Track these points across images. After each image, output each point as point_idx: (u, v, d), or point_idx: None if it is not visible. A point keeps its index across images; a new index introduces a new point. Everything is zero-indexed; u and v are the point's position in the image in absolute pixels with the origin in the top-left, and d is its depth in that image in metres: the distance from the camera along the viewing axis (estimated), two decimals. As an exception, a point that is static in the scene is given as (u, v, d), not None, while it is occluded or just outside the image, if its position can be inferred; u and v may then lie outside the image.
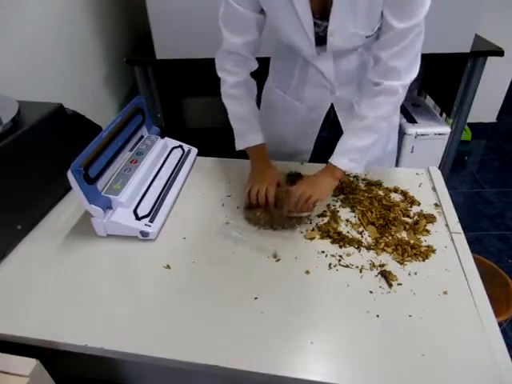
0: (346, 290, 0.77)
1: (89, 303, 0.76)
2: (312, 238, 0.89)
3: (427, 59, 2.01)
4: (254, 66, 0.99)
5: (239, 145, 1.03)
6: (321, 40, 0.91)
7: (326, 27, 0.87)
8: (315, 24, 0.87)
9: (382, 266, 0.82)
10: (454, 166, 2.07)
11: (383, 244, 0.86)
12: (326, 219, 0.94)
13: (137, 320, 0.73)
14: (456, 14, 1.42)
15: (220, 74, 0.98)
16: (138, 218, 0.90)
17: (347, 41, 0.91)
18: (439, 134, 1.84)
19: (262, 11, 0.89)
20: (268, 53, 1.11)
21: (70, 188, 0.82)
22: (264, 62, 1.11)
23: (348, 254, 0.85)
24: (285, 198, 0.92)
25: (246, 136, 1.02)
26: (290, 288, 0.78)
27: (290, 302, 0.75)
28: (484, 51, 1.59)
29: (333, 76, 1.01)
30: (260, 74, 1.06)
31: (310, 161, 1.20)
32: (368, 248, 0.86)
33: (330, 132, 1.17)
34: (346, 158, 0.91)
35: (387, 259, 0.83)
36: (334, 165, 0.91)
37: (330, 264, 0.82)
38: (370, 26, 0.85)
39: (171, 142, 1.18)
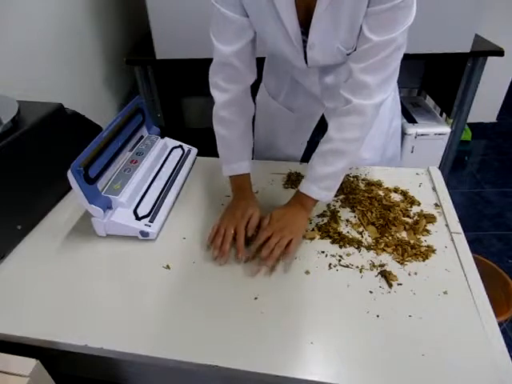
0: (346, 290, 0.77)
1: (89, 303, 0.76)
2: (312, 238, 0.89)
3: (427, 59, 2.02)
4: (250, 79, 0.90)
5: (223, 170, 0.95)
6: (305, 54, 0.87)
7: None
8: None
9: (381, 266, 0.82)
10: (454, 166, 2.07)
11: (383, 244, 0.86)
12: (325, 219, 0.94)
13: (137, 320, 0.73)
14: (456, 14, 1.42)
15: (212, 91, 0.89)
16: (138, 218, 0.90)
17: (327, 56, 0.86)
18: (439, 134, 1.84)
19: None
20: (264, 53, 1.09)
21: (70, 188, 0.82)
22: (262, 62, 1.10)
23: (348, 254, 0.85)
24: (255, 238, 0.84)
25: (231, 164, 0.93)
26: (290, 288, 0.78)
27: (289, 302, 0.75)
28: (484, 51, 1.59)
29: (318, 90, 0.99)
30: (257, 75, 1.05)
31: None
32: (368, 248, 0.86)
33: None
34: (317, 185, 0.84)
35: (387, 259, 0.83)
36: (304, 193, 0.85)
37: (330, 264, 0.82)
38: (351, 42, 0.81)
39: (171, 142, 1.18)
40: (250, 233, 0.86)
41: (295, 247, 0.82)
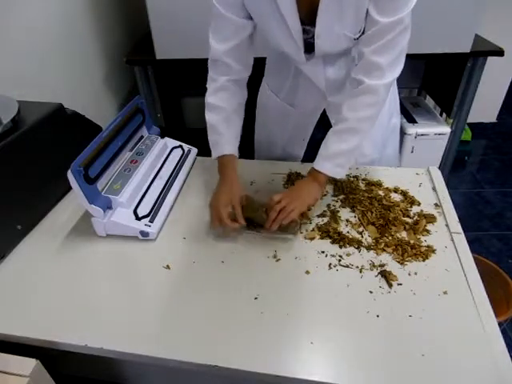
0: (345, 290, 0.77)
1: (89, 303, 0.76)
2: (312, 238, 0.89)
3: (427, 59, 2.02)
4: (241, 73, 0.93)
5: (212, 155, 0.97)
6: (310, 47, 0.89)
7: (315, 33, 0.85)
8: (304, 30, 0.85)
9: (381, 266, 0.82)
10: (454, 166, 2.06)
11: (383, 244, 0.86)
12: (325, 219, 0.94)
13: (137, 320, 0.73)
14: (456, 14, 1.42)
15: (207, 84, 0.95)
16: (138, 218, 0.90)
17: (335, 43, 0.88)
18: (439, 134, 1.84)
19: (250, 17, 0.86)
20: (264, 53, 1.10)
21: (70, 188, 0.82)
22: (261, 63, 1.10)
23: (348, 254, 0.85)
24: (261, 215, 0.88)
25: (216, 146, 0.96)
26: (290, 288, 0.78)
27: (290, 302, 0.75)
28: (484, 51, 1.59)
29: (323, 83, 1.00)
30: (257, 75, 1.05)
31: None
32: (368, 248, 0.86)
33: (325, 134, 1.16)
34: (331, 162, 0.87)
35: (387, 259, 0.83)
36: (318, 170, 0.88)
37: (330, 264, 0.82)
38: (358, 27, 0.83)
39: (171, 142, 1.18)
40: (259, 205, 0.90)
41: (298, 212, 0.85)
